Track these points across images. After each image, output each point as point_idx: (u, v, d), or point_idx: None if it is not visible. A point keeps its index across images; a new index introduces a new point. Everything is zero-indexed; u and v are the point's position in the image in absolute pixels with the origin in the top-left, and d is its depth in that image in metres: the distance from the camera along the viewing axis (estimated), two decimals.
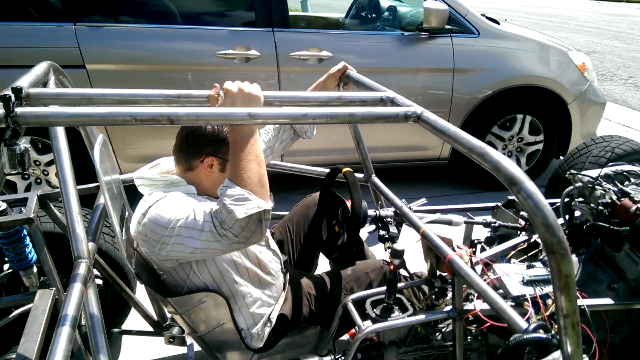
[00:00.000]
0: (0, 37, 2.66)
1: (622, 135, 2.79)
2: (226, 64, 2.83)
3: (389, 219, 1.73)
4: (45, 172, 2.90)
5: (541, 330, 1.08)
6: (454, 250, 1.48)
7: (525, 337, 1.08)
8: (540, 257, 1.73)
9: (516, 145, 3.39)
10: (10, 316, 1.64)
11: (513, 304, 1.44)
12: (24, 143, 0.95)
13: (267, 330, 1.48)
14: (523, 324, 1.15)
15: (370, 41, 3.18)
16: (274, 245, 1.61)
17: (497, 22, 3.34)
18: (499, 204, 2.03)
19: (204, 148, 1.35)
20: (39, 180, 2.92)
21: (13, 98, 0.88)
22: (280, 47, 2.90)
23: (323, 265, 1.93)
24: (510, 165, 0.87)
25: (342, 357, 1.46)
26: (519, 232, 1.88)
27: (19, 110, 0.89)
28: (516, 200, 1.65)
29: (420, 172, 3.63)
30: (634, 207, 1.53)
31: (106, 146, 1.42)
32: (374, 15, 3.86)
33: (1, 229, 1.48)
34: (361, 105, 1.31)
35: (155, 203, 1.26)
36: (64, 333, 0.95)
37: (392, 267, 1.49)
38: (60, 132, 1.28)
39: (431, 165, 3.44)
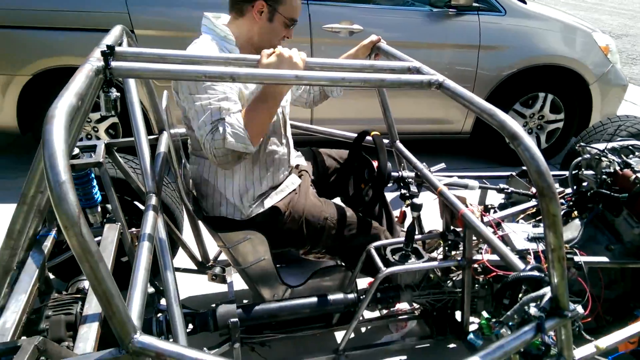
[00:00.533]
0: (57, 2, 2.90)
1: None
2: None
3: (410, 180, 1.92)
4: (95, 129, 3.17)
5: (536, 271, 1.28)
6: (467, 207, 1.67)
7: (521, 274, 1.28)
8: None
9: (537, 123, 3.52)
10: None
11: (517, 256, 1.63)
12: (115, 92, 1.17)
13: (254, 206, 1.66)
14: (522, 266, 1.34)
15: (400, 16, 3.31)
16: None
17: (524, 1, 3.43)
18: (514, 173, 2.20)
19: None
20: (89, 136, 3.18)
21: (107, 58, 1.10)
22: (313, 19, 3.07)
23: None
24: (513, 124, 1.05)
25: (364, 296, 1.69)
26: (530, 199, 2.05)
27: (114, 64, 1.10)
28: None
29: (443, 145, 3.78)
30: (634, 176, 1.69)
31: (170, 102, 1.64)
32: None
33: (74, 170, 1.73)
34: (390, 73, 1.50)
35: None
36: (144, 251, 1.18)
37: (402, 214, 1.70)
38: (132, 86, 1.50)
39: (453, 139, 3.59)
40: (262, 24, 1.57)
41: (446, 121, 3.43)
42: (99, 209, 1.86)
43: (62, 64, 3.02)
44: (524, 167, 2.20)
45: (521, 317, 1.20)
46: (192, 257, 2.06)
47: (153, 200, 1.35)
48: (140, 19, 2.89)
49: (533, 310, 1.16)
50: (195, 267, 2.10)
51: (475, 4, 3.16)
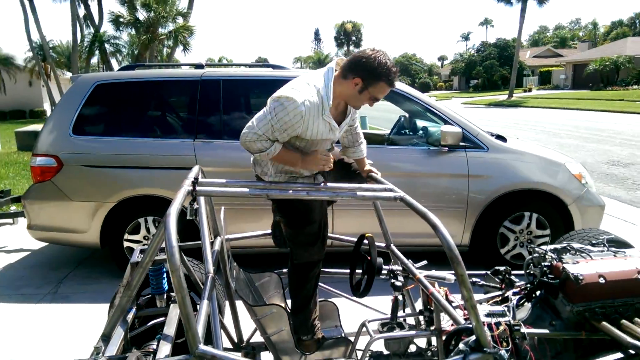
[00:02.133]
0: (139, 148, 3.92)
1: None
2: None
3: (398, 272, 2.54)
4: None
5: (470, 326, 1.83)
6: (439, 292, 2.26)
7: (459, 327, 1.84)
8: (508, 304, 2.43)
9: (526, 238, 4.09)
10: (149, 323, 2.54)
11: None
12: (195, 204, 1.93)
13: None
14: (463, 323, 1.90)
15: (406, 153, 4.16)
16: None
17: (504, 140, 4.24)
18: (489, 272, 2.77)
19: (360, 72, 2.08)
20: None
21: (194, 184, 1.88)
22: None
23: None
24: (434, 218, 1.72)
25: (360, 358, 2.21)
26: (499, 290, 2.59)
27: (198, 188, 1.88)
28: (499, 269, 2.45)
29: (443, 256, 4.33)
30: (562, 266, 2.25)
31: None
32: (410, 132, 4.89)
33: (152, 264, 2.45)
34: (372, 191, 2.22)
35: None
36: (207, 294, 1.83)
37: (393, 298, 2.29)
38: (202, 205, 2.27)
39: None
40: (352, 92, 2.15)
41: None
42: (165, 296, 2.53)
43: (139, 193, 3.94)
44: (499, 268, 2.77)
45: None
46: (229, 337, 2.64)
47: (210, 277, 2.03)
48: (203, 160, 3.83)
49: (461, 345, 1.71)
50: (231, 347, 2.66)
51: (462, 144, 3.98)
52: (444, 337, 2.15)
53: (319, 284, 2.66)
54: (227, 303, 2.77)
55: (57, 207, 4.00)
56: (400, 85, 4.39)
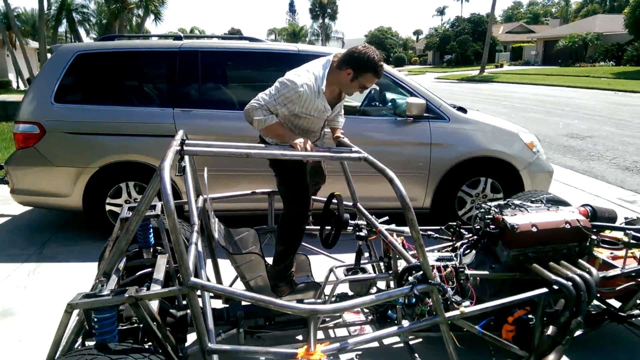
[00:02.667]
0: (121, 116, 4.10)
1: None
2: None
3: (362, 226, 2.86)
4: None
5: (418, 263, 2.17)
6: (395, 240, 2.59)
7: (410, 265, 2.18)
8: (458, 252, 2.79)
9: (482, 200, 4.47)
10: (138, 273, 2.79)
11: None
12: (183, 162, 2.18)
13: None
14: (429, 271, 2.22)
15: (374, 123, 4.46)
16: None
17: (465, 111, 4.57)
18: (443, 227, 3.12)
19: (352, 64, 2.52)
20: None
21: (182, 144, 2.13)
22: None
23: None
24: (391, 173, 2.02)
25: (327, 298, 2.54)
26: (450, 241, 2.96)
27: (186, 148, 2.13)
28: (451, 224, 2.79)
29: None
30: (501, 218, 2.61)
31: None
32: (380, 104, 5.17)
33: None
34: (339, 152, 2.51)
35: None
36: (194, 238, 2.11)
37: (357, 248, 2.61)
38: (188, 164, 2.52)
39: (415, 214, 4.52)
40: (344, 81, 2.59)
41: (411, 199, 4.37)
42: (151, 249, 2.79)
43: (121, 159, 4.14)
44: (451, 224, 3.13)
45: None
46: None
47: (196, 226, 2.30)
48: (182, 128, 4.02)
49: (410, 278, 2.05)
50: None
51: (425, 114, 4.29)
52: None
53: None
54: (209, 261, 3.06)
55: (40, 172, 4.16)
56: None
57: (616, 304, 2.82)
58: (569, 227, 2.57)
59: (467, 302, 2.36)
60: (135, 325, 2.03)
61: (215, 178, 3.87)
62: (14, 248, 4.22)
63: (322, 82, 2.53)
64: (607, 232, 3.00)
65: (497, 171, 4.43)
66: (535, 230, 2.54)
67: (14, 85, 26.08)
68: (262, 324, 2.54)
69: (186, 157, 2.42)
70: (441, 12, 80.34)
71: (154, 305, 2.09)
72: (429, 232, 3.05)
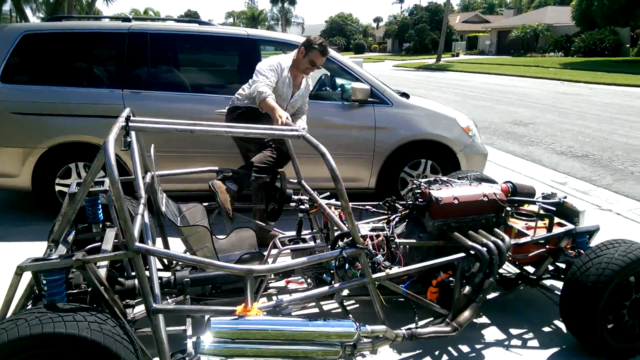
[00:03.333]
0: (69, 97, 4.12)
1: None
2: (221, 119, 4.25)
3: (304, 200, 3.07)
4: None
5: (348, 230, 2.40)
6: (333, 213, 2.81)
7: (341, 232, 2.40)
8: (391, 224, 3.04)
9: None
10: (87, 247, 2.89)
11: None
12: (128, 138, 2.30)
13: None
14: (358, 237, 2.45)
15: (324, 107, 4.64)
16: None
17: (407, 96, 4.84)
18: (380, 203, 3.37)
19: (305, 44, 3.55)
20: None
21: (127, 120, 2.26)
22: None
23: None
24: (323, 148, 2.23)
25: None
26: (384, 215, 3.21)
27: (131, 123, 2.26)
28: (388, 199, 3.03)
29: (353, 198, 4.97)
30: (428, 192, 2.88)
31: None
32: (329, 89, 5.38)
33: (88, 195, 2.80)
34: (281, 131, 2.70)
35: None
36: (140, 211, 2.26)
37: (299, 220, 2.82)
38: (134, 141, 2.64)
39: (363, 193, 4.79)
40: (300, 57, 3.57)
41: (357, 179, 4.66)
42: (101, 225, 2.90)
43: (69, 140, 4.17)
44: (388, 199, 3.38)
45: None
46: (161, 261, 3.08)
47: (142, 199, 2.44)
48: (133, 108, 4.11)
49: (340, 243, 2.28)
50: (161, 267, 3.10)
51: (370, 99, 4.53)
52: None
53: (240, 215, 3.17)
54: (159, 240, 3.19)
55: None
56: None
57: (531, 271, 3.17)
58: (487, 199, 2.87)
59: (395, 266, 2.62)
60: (84, 289, 2.17)
61: (164, 159, 3.98)
62: None
63: (288, 60, 3.60)
64: (527, 207, 3.34)
65: (436, 153, 4.73)
66: (457, 202, 2.82)
67: None
68: (208, 292, 2.71)
69: (132, 133, 2.56)
70: (400, 0, 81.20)
71: (102, 272, 2.23)
72: (367, 207, 3.30)
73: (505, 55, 41.34)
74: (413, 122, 4.64)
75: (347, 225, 2.35)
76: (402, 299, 2.90)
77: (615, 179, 6.42)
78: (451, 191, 2.89)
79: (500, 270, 3.31)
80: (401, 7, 78.96)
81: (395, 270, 2.49)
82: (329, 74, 5.49)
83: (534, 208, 3.22)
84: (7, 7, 27.78)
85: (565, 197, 3.28)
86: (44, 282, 1.92)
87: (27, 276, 2.12)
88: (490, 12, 74.65)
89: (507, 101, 14.29)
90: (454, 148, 4.71)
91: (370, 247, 2.62)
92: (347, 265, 2.53)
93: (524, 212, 3.27)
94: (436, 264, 2.63)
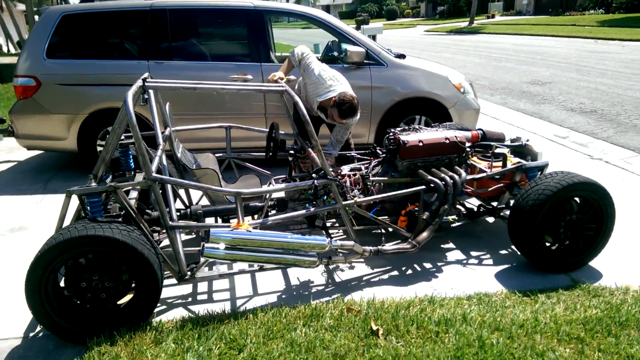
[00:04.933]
0: (104, 69, 4.80)
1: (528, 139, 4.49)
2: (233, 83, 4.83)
3: (296, 147, 3.64)
4: None
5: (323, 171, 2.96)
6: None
7: (316, 168, 2.97)
8: (369, 166, 3.57)
9: None
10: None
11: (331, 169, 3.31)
12: (146, 95, 2.92)
13: None
14: (327, 170, 3.02)
15: None
16: None
17: (403, 57, 5.27)
18: (365, 151, 3.90)
19: (336, 99, 3.53)
20: None
21: (145, 81, 2.87)
22: (265, 74, 4.91)
23: None
24: (297, 99, 2.78)
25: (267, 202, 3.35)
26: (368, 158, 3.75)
27: (147, 83, 2.87)
28: (371, 147, 3.57)
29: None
30: (398, 137, 3.39)
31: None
32: (335, 54, 5.85)
33: (121, 147, 3.47)
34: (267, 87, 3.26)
35: None
36: (156, 159, 2.90)
37: (290, 163, 3.41)
38: (152, 99, 3.26)
39: (362, 147, 5.30)
40: (329, 104, 3.60)
41: (358, 135, 5.18)
42: (132, 172, 3.57)
43: (106, 106, 4.87)
44: (370, 146, 3.90)
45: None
46: (183, 202, 3.74)
47: (161, 146, 3.07)
48: (156, 78, 4.75)
49: (314, 175, 2.85)
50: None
51: (366, 61, 5.00)
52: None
53: (247, 164, 3.79)
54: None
55: (39, 119, 4.91)
56: (324, 15, 5.31)
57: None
58: (448, 142, 3.36)
59: (363, 196, 3.17)
60: (118, 214, 2.84)
61: (182, 120, 4.62)
62: (23, 184, 5.03)
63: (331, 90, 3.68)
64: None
65: (430, 109, 5.18)
66: (421, 144, 3.33)
67: (4, 49, 26.23)
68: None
69: (151, 92, 3.18)
70: None
71: (132, 202, 2.89)
72: (353, 154, 3.84)
73: (543, 15, 39.78)
74: (407, 81, 5.08)
75: (320, 161, 2.92)
76: (384, 230, 3.47)
77: (617, 131, 6.65)
78: (417, 135, 3.39)
79: (468, 206, 3.82)
80: None
81: (362, 199, 3.05)
82: (336, 40, 5.97)
83: (503, 150, 3.68)
84: None
85: (527, 140, 3.73)
86: (87, 203, 2.59)
87: (75, 204, 2.82)
88: None
89: (530, 62, 14.22)
90: (446, 104, 5.13)
91: (348, 183, 3.20)
92: (325, 197, 3.11)
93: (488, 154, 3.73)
94: (399, 194, 3.17)
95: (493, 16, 44.41)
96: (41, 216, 4.21)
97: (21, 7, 27.02)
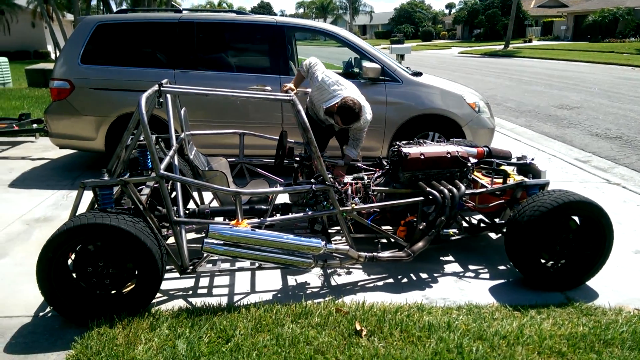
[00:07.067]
0: (133, 76, 5.10)
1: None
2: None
3: (304, 156, 3.79)
4: None
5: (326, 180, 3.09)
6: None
7: (317, 174, 3.10)
8: (373, 176, 3.68)
9: None
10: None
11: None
12: (161, 99, 3.13)
13: None
14: (326, 176, 3.14)
15: None
16: None
17: (420, 75, 5.38)
18: (371, 163, 4.01)
19: (339, 104, 3.62)
20: None
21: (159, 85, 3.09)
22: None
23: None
24: (300, 107, 2.93)
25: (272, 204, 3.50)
26: (374, 170, 3.85)
27: (162, 88, 3.09)
28: (377, 159, 3.71)
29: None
30: (401, 149, 3.49)
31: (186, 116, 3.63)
32: (355, 70, 6.02)
33: (140, 147, 3.69)
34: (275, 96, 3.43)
35: None
36: (167, 157, 3.09)
37: (295, 169, 3.55)
38: (170, 104, 3.47)
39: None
40: (334, 108, 3.67)
41: (371, 149, 5.29)
42: (150, 171, 3.78)
43: (133, 111, 5.13)
44: (378, 157, 4.01)
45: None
46: (195, 202, 3.93)
47: (174, 147, 3.27)
48: (182, 85, 5.02)
49: (312, 180, 2.98)
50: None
51: (381, 77, 5.13)
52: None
53: (259, 170, 3.96)
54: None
55: (71, 120, 5.23)
56: (344, 32, 5.50)
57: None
58: (450, 156, 3.44)
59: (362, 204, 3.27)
60: (128, 207, 3.03)
61: (198, 126, 4.85)
62: (52, 180, 5.35)
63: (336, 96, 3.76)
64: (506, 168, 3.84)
65: (443, 126, 5.25)
66: (423, 157, 3.42)
67: (52, 56, 27.65)
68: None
69: (169, 97, 3.40)
70: None
71: (144, 198, 3.08)
72: (359, 165, 3.96)
73: (581, 41, 39.16)
74: (421, 98, 5.18)
75: (319, 168, 3.05)
76: (385, 240, 3.56)
77: None
78: (419, 148, 3.48)
79: (473, 221, 3.86)
80: None
81: (360, 206, 3.16)
82: (358, 57, 6.14)
83: (508, 169, 3.73)
84: (94, 1, 30.59)
85: (532, 159, 3.77)
86: (99, 194, 2.79)
87: (89, 197, 3.03)
88: None
89: (560, 86, 14.05)
90: (460, 122, 5.20)
91: (350, 191, 3.32)
92: (325, 203, 3.23)
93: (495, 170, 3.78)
94: (397, 204, 3.26)
95: (530, 40, 44.01)
96: (66, 209, 4.48)
97: (70, 17, 28.50)
